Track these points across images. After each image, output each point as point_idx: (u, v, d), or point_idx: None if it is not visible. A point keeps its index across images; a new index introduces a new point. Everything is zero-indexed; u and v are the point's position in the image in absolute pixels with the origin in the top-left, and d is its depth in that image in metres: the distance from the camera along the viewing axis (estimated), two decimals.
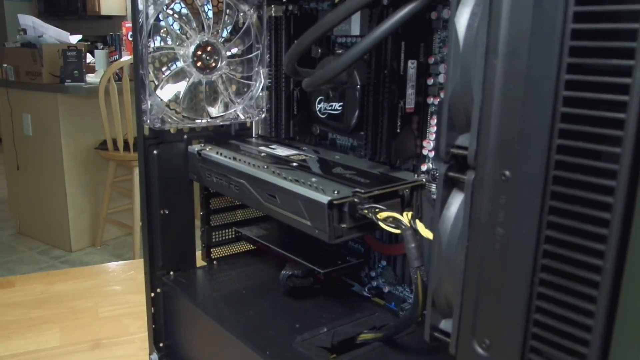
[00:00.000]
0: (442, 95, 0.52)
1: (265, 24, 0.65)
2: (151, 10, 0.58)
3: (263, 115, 0.68)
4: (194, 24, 0.61)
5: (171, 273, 0.68)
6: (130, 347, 0.79)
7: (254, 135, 0.73)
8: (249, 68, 0.66)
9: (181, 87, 0.62)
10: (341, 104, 0.59)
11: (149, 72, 0.59)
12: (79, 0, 4.65)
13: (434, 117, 0.53)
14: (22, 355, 0.77)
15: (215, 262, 0.74)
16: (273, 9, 0.66)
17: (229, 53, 0.64)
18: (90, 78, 2.62)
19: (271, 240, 0.69)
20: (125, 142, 2.51)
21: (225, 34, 0.63)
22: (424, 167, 0.55)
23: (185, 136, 0.66)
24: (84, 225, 2.73)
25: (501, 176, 0.29)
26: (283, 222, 0.53)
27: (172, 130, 0.65)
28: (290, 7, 0.67)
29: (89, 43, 3.26)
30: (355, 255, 0.65)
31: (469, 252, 0.32)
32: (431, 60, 0.53)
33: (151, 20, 0.58)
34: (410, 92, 0.53)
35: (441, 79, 0.52)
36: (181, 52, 0.61)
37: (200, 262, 0.73)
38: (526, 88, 0.28)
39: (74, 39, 2.80)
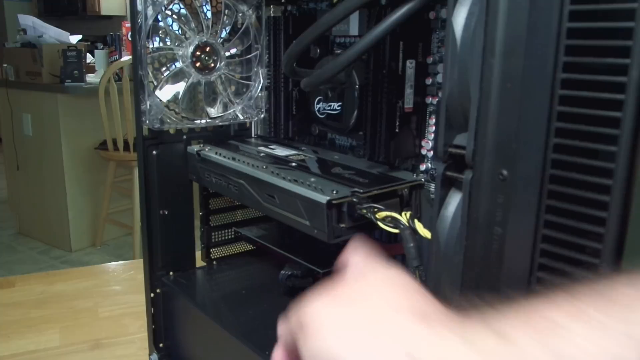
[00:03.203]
0: (440, 95, 0.52)
1: (264, 24, 0.65)
2: (150, 11, 0.58)
3: (262, 116, 0.68)
4: (193, 25, 0.61)
5: (171, 273, 0.68)
6: (130, 347, 0.79)
7: (253, 136, 0.73)
8: (248, 68, 0.66)
9: (180, 87, 0.62)
10: (340, 104, 0.59)
11: (148, 73, 0.59)
12: (79, 0, 4.66)
13: (433, 116, 0.53)
14: (22, 355, 0.77)
15: (214, 262, 0.74)
16: (272, 9, 0.66)
17: (227, 53, 0.64)
18: (90, 78, 2.62)
19: (270, 240, 0.69)
20: (125, 142, 2.52)
21: (224, 34, 0.63)
22: (422, 167, 0.55)
23: (185, 136, 0.66)
24: (84, 225, 2.73)
25: (498, 175, 0.29)
26: (282, 222, 0.53)
27: (171, 131, 0.65)
28: (289, 7, 0.67)
29: (89, 43, 3.26)
30: None
31: (467, 252, 0.32)
32: (429, 60, 0.53)
33: (150, 21, 0.58)
34: (408, 92, 0.53)
35: (439, 78, 0.52)
36: (180, 53, 0.61)
37: (200, 262, 0.73)
38: (523, 87, 0.28)
39: (74, 39, 2.81)
